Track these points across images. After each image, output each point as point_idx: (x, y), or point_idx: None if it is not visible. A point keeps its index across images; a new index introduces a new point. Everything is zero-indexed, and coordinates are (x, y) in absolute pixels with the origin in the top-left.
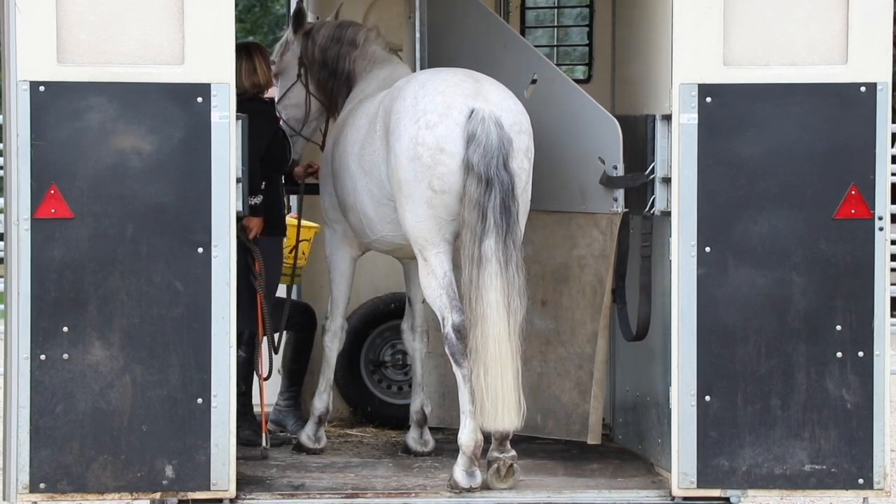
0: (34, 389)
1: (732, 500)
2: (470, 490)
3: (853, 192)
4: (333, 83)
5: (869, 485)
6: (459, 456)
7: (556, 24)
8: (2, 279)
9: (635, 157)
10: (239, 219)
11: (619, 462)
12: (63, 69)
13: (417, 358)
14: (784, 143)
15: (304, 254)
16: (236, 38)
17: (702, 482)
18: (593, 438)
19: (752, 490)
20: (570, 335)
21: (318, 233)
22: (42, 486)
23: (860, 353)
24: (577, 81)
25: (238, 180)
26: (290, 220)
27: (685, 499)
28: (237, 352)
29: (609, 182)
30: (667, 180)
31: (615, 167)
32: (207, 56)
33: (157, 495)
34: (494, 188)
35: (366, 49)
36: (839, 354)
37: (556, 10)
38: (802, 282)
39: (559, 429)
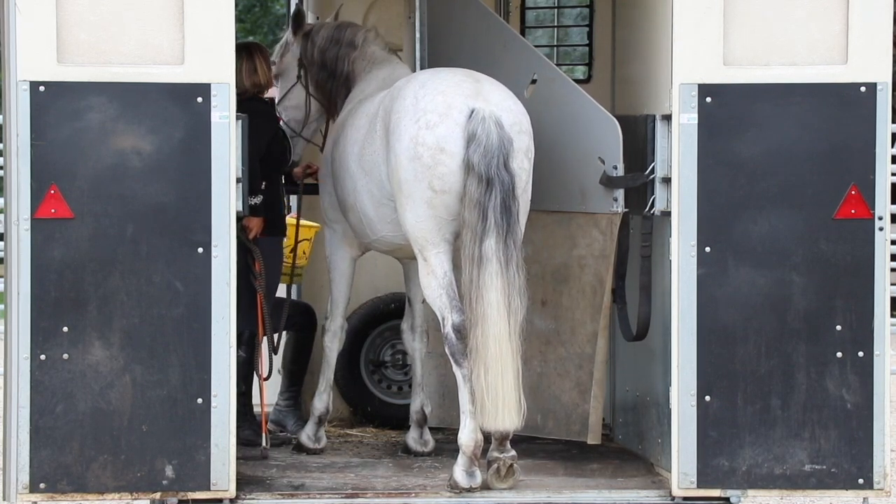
0: (34, 389)
1: (732, 500)
2: (470, 490)
3: (853, 192)
4: (332, 84)
5: (869, 485)
6: (459, 456)
7: (556, 24)
8: (2, 279)
9: (635, 157)
10: (239, 219)
11: (619, 462)
12: (63, 69)
13: (417, 358)
14: (784, 143)
15: (304, 253)
16: (236, 38)
17: (702, 482)
18: (593, 438)
19: (752, 490)
20: (570, 335)
21: (318, 232)
22: (42, 486)
23: (860, 353)
24: (577, 81)
25: (238, 180)
26: (291, 220)
27: (685, 499)
28: (237, 352)
29: (609, 182)
30: (667, 180)
31: (615, 167)
32: (207, 56)
33: (157, 495)
34: (495, 188)
35: (365, 50)
36: (839, 354)
37: (556, 10)
38: (802, 282)
39: (559, 429)
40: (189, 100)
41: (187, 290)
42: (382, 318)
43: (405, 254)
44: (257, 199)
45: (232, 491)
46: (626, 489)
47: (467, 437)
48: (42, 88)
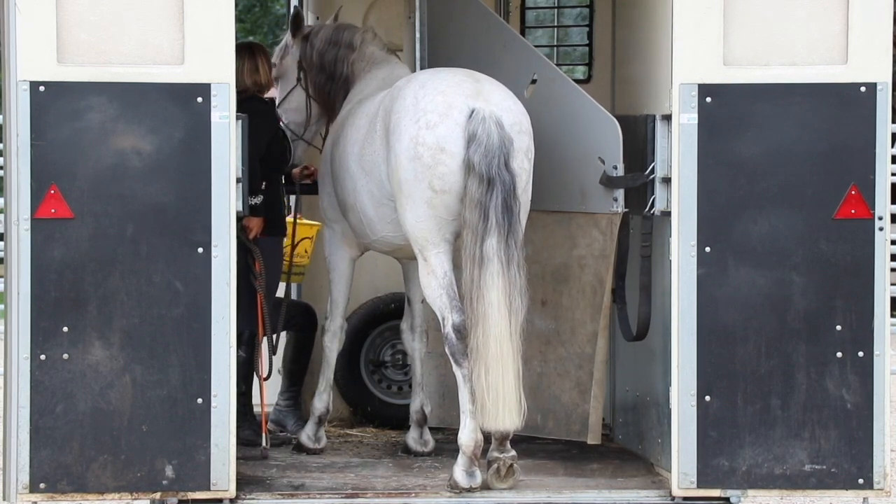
0: (34, 389)
1: (732, 500)
2: (470, 490)
3: (853, 192)
4: (332, 86)
5: (869, 485)
6: (459, 456)
7: (556, 24)
8: (2, 279)
9: (635, 157)
10: (239, 219)
11: (619, 462)
12: (63, 69)
13: (417, 358)
14: (784, 143)
15: (306, 252)
16: (236, 38)
17: (702, 482)
18: (593, 438)
19: (752, 490)
20: (570, 335)
21: (319, 231)
22: (42, 486)
23: (860, 353)
24: (577, 81)
25: (238, 180)
26: (291, 219)
27: (685, 499)
28: (237, 352)
29: (609, 182)
30: (667, 180)
31: (615, 167)
32: (207, 56)
33: (157, 495)
34: (496, 188)
35: (363, 51)
36: (839, 354)
37: (556, 10)
38: (802, 282)
39: (559, 429)
40: (189, 100)
41: (187, 290)
42: (382, 318)
43: (405, 254)
44: (257, 199)
45: (232, 491)
46: (626, 489)
47: (467, 437)
48: (42, 88)
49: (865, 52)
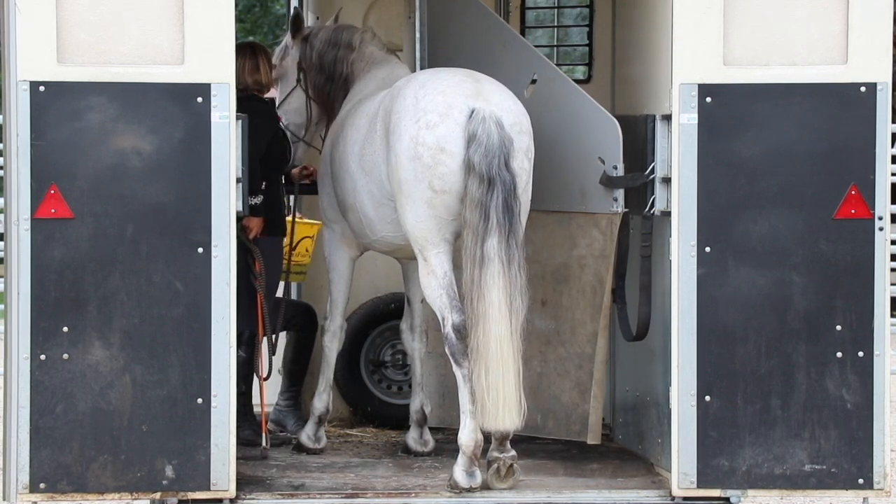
0: (34, 389)
1: (732, 500)
2: (470, 490)
3: (853, 192)
4: (331, 87)
5: (869, 485)
6: (459, 456)
7: (556, 24)
8: (2, 279)
9: (635, 157)
10: (239, 219)
11: (619, 462)
12: (63, 69)
13: (417, 358)
14: (784, 143)
15: (307, 251)
16: (236, 38)
17: (702, 482)
18: (593, 438)
19: (752, 490)
20: (570, 335)
21: (320, 229)
22: (42, 486)
23: (860, 353)
24: (577, 81)
25: (238, 180)
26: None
27: (685, 499)
28: (237, 352)
29: (609, 182)
30: (667, 180)
31: (615, 167)
32: (207, 56)
33: (157, 495)
34: (496, 188)
35: (363, 51)
36: (839, 354)
37: (556, 10)
38: (802, 282)
39: (559, 429)
40: (189, 100)
41: (187, 290)
42: (382, 318)
43: (405, 254)
44: (257, 199)
45: (232, 491)
46: (626, 489)
47: (467, 437)
48: (42, 88)
49: (865, 52)
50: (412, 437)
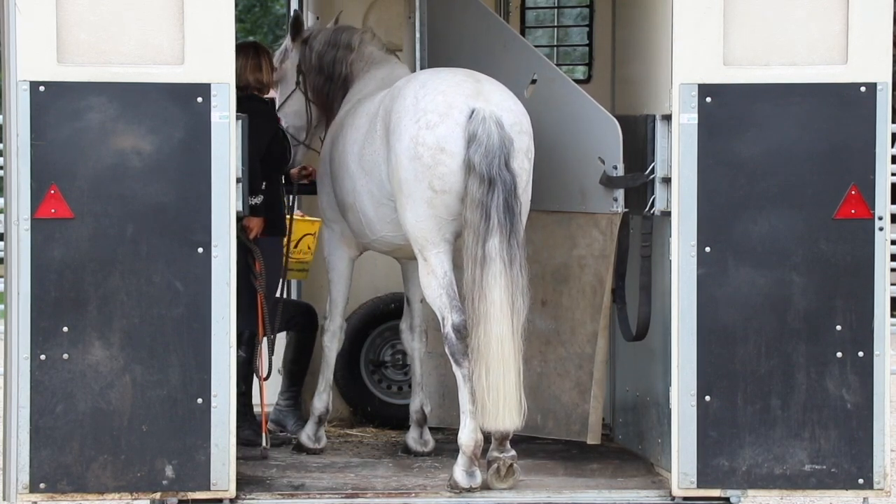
0: (34, 389)
1: (732, 500)
2: (470, 490)
3: (853, 192)
4: (330, 88)
5: (869, 485)
6: (459, 456)
7: (556, 24)
8: (2, 279)
9: (635, 157)
10: (239, 219)
11: (619, 462)
12: (63, 69)
13: (416, 357)
14: (784, 143)
15: (309, 248)
16: (236, 38)
17: (702, 482)
18: (593, 438)
19: (752, 490)
20: (570, 335)
21: (321, 227)
22: (42, 486)
23: (860, 353)
24: (577, 81)
25: (238, 180)
26: (296, 218)
27: (685, 499)
28: (237, 352)
29: (609, 182)
30: (667, 180)
31: (615, 167)
32: (207, 56)
33: (157, 495)
34: (497, 188)
35: (362, 51)
36: (839, 354)
37: (556, 10)
38: (802, 282)
39: (559, 429)
40: (189, 100)
41: (187, 290)
42: (382, 318)
43: (404, 254)
44: (257, 199)
45: (232, 491)
46: (626, 489)
47: (467, 436)
48: (42, 88)
49: (865, 52)
50: (412, 437)
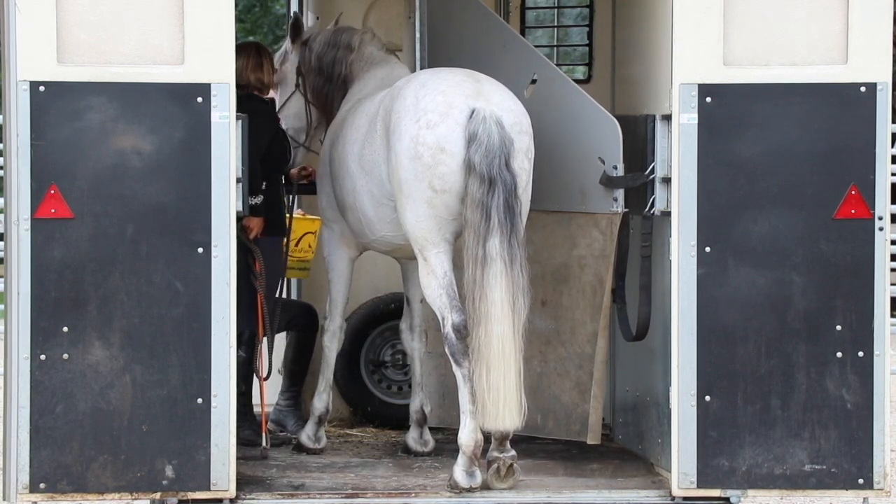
0: (34, 389)
1: (732, 500)
2: (470, 490)
3: (853, 192)
4: (329, 88)
5: (869, 485)
6: (459, 456)
7: (556, 24)
8: (2, 279)
9: (635, 157)
10: (239, 219)
11: (619, 462)
12: (63, 69)
13: (416, 357)
14: (784, 143)
15: (310, 246)
16: (236, 38)
17: (702, 482)
18: (593, 438)
19: (752, 490)
20: (570, 335)
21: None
22: (42, 486)
23: (860, 353)
24: (577, 81)
25: (238, 180)
26: (296, 216)
27: (685, 499)
28: (237, 352)
29: (609, 182)
30: (667, 180)
31: (615, 167)
32: (207, 56)
33: (157, 495)
34: (497, 188)
35: (362, 51)
36: (839, 354)
37: (556, 10)
38: (802, 282)
39: (559, 429)
40: (189, 100)
41: (187, 290)
42: (382, 318)
43: (404, 254)
44: (258, 199)
45: (232, 491)
46: (626, 489)
47: (467, 436)
48: (42, 88)
49: (865, 52)
50: (412, 437)
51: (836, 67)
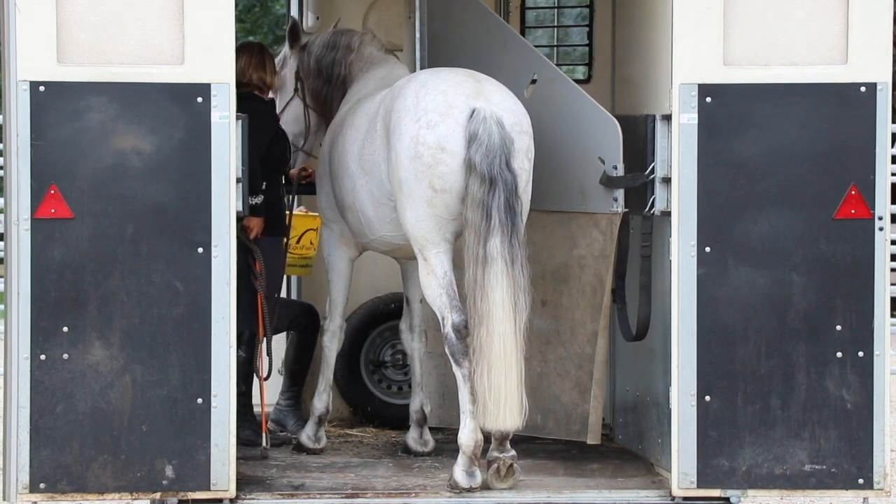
0: (34, 389)
1: (732, 500)
2: (470, 490)
3: (853, 192)
4: (328, 89)
5: (869, 485)
6: (459, 456)
7: (556, 24)
8: (2, 279)
9: (635, 157)
10: (239, 219)
11: (619, 462)
12: (63, 69)
13: (416, 357)
14: (784, 143)
15: (311, 244)
16: (236, 38)
17: (702, 482)
18: (593, 438)
19: (752, 490)
20: (570, 335)
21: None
22: (42, 486)
23: (860, 353)
24: (577, 81)
25: (238, 180)
26: (298, 213)
27: (685, 499)
28: (237, 352)
29: (609, 182)
30: (667, 180)
31: (615, 167)
32: (207, 56)
33: (157, 495)
34: (498, 187)
35: (361, 51)
36: (839, 354)
37: (556, 10)
38: (802, 282)
39: (559, 429)
40: (189, 100)
41: (187, 290)
42: (382, 318)
43: (404, 254)
44: (258, 199)
45: (232, 491)
46: (626, 489)
47: (467, 436)
48: (42, 88)
49: (865, 52)
50: (412, 437)
51: (836, 67)
